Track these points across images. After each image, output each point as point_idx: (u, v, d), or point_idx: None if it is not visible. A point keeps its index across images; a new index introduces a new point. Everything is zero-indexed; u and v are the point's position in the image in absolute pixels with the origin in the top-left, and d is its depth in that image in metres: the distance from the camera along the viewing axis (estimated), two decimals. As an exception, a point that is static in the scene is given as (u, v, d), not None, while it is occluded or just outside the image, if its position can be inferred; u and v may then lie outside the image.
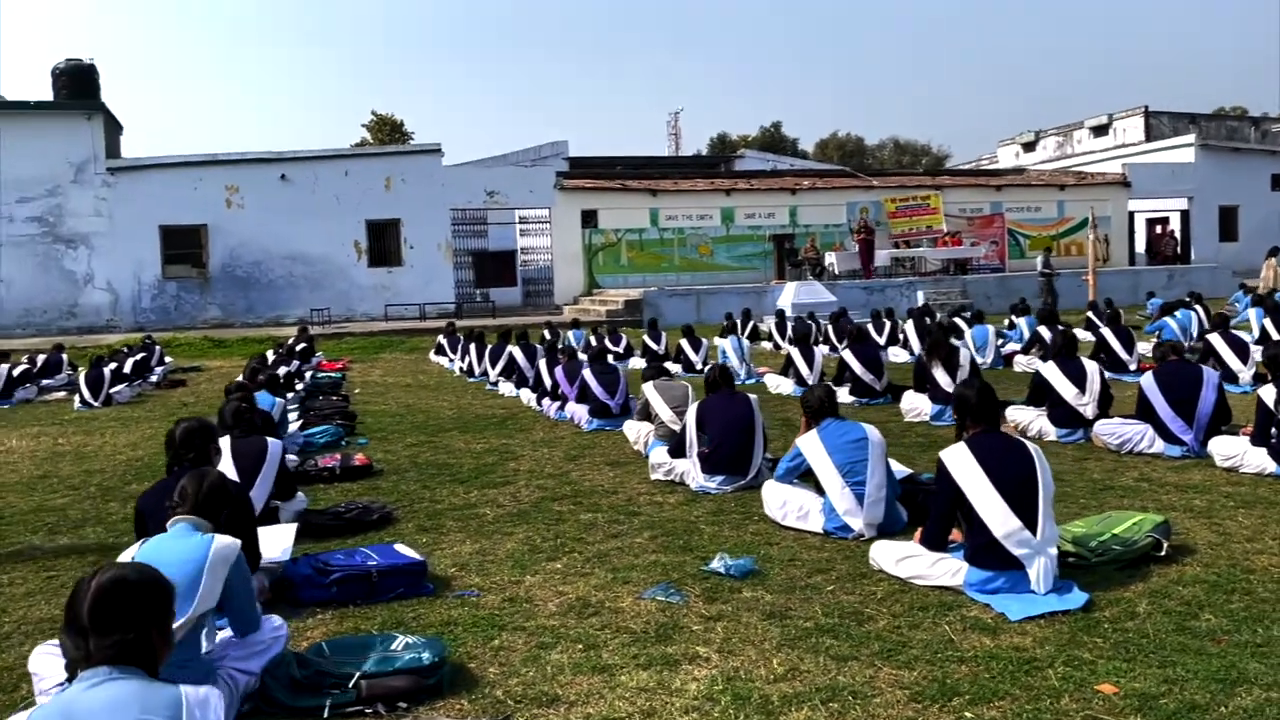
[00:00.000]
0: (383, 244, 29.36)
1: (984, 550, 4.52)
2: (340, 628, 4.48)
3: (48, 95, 29.23)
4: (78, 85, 28.81)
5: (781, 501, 5.98)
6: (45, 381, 16.72)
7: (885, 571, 4.91)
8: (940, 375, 9.79)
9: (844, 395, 11.46)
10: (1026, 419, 8.75)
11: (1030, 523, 4.49)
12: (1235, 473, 6.91)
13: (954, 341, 13.67)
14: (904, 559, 4.83)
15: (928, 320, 16.97)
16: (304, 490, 7.60)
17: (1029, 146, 51.96)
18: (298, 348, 18.60)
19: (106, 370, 15.19)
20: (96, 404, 14.49)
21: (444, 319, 27.71)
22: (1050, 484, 4.64)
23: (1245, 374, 11.04)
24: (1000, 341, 15.11)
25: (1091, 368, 8.47)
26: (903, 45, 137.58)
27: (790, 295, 26.15)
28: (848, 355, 11.52)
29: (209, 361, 21.49)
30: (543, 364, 12.63)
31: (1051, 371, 8.57)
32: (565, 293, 30.39)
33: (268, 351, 17.27)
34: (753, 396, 7.31)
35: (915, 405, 10.08)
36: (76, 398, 14.79)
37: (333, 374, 17.34)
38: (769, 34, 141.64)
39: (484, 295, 30.23)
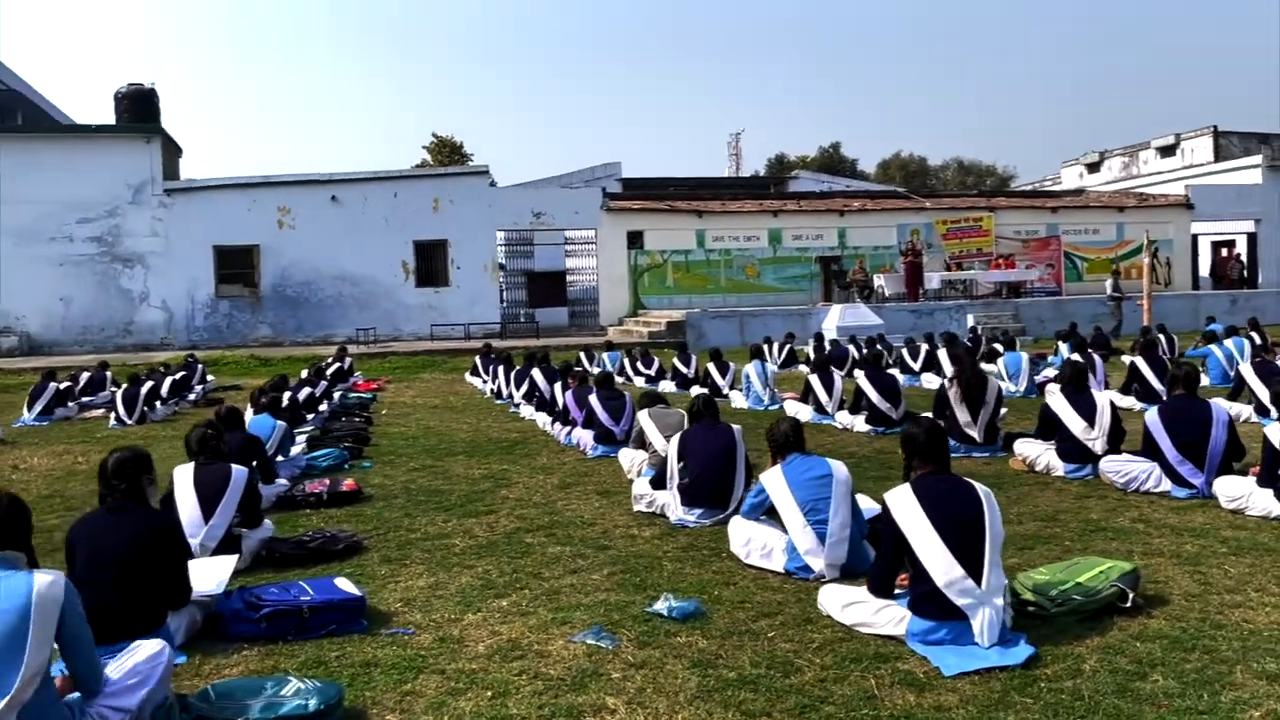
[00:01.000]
0: (430, 264, 29.61)
1: (926, 599, 4.30)
2: (262, 665, 4.40)
3: (111, 118, 30.07)
4: (139, 108, 29.57)
5: (746, 539, 5.79)
6: (85, 399, 17.03)
7: (832, 617, 4.70)
8: (959, 410, 9.45)
9: (860, 424, 11.23)
10: (1034, 453, 8.43)
11: (974, 571, 4.26)
12: (1241, 515, 6.56)
13: (988, 367, 13.36)
14: (849, 605, 4.62)
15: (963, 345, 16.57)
16: (290, 516, 7.62)
17: (1093, 167, 50.86)
18: (330, 369, 18.77)
19: (141, 389, 15.44)
20: (130, 422, 14.71)
21: (489, 339, 27.92)
22: (999, 530, 4.40)
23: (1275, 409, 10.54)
24: (1035, 369, 14.67)
25: (1102, 400, 8.13)
26: (969, 65, 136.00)
27: (835, 318, 25.87)
28: (863, 382, 11.25)
29: (252, 380, 21.72)
30: (558, 387, 12.56)
31: (1059, 403, 8.25)
32: (610, 314, 30.36)
33: (304, 371, 17.43)
34: (736, 427, 7.14)
35: (927, 437, 9.75)
36: (112, 416, 15.04)
37: (364, 395, 17.45)
38: (832, 55, 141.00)
39: (528, 315, 30.32)
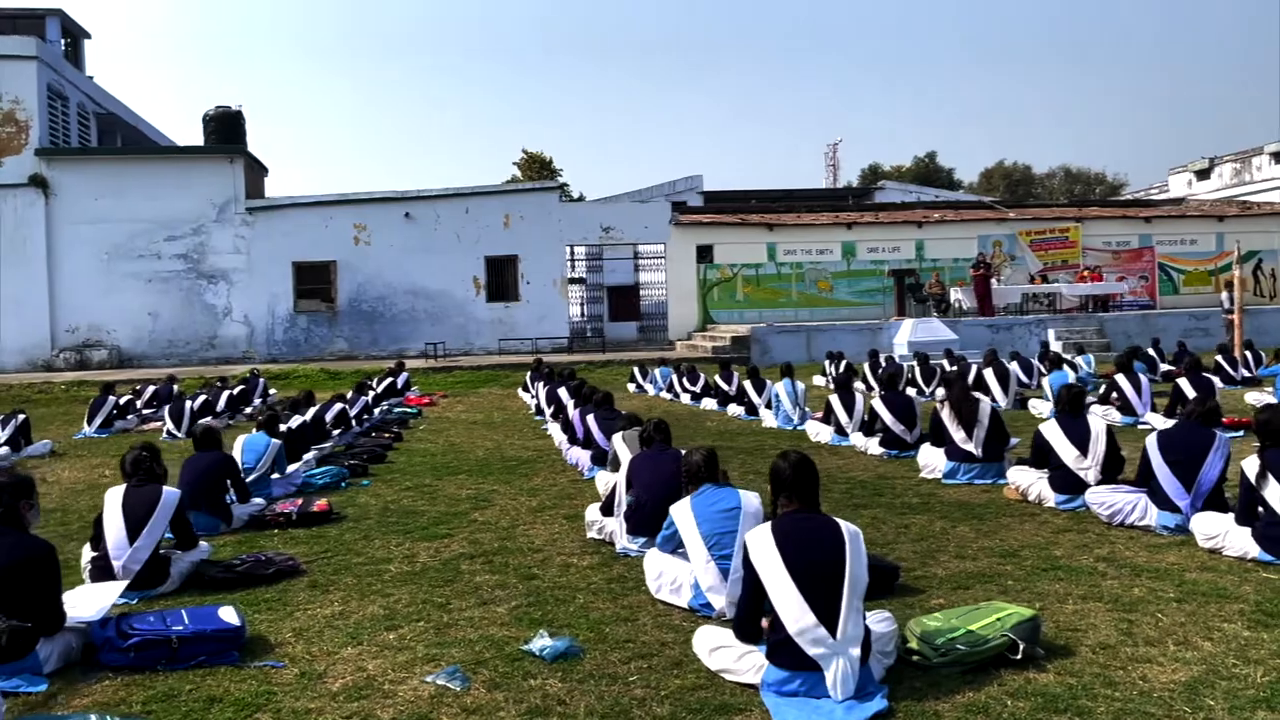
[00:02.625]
0: (500, 279, 29.90)
1: (780, 647, 4.05)
2: (115, 696, 4.38)
3: (201, 139, 31.22)
4: (225, 130, 30.62)
5: (657, 573, 5.60)
6: (146, 412, 17.59)
7: (701, 661, 4.48)
8: (954, 429, 9.10)
9: (874, 446, 10.86)
10: (1026, 481, 8.00)
11: (829, 619, 3.99)
12: (1217, 554, 6.09)
13: (1016, 383, 12.88)
14: (717, 649, 4.40)
15: (1011, 363, 15.96)
16: (253, 536, 7.68)
17: (1202, 174, 48.75)
18: (382, 384, 19.07)
19: (187, 403, 15.89)
20: (180, 435, 15.11)
21: (558, 353, 28.07)
22: (861, 575, 4.13)
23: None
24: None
25: (1097, 427, 7.66)
26: (1082, 69, 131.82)
27: (907, 333, 25.16)
28: (877, 403, 10.87)
29: (320, 393, 22.20)
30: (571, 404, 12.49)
31: (1052, 430, 7.81)
32: (679, 328, 30.22)
33: (350, 390, 17.73)
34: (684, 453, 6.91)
35: (930, 461, 9.38)
36: (164, 430, 15.48)
37: (409, 410, 17.64)
38: (933, 62, 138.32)
39: (595, 330, 30.38)
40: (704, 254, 30.50)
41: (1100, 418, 7.83)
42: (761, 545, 4.19)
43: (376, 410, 16.45)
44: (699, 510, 5.38)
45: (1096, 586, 5.51)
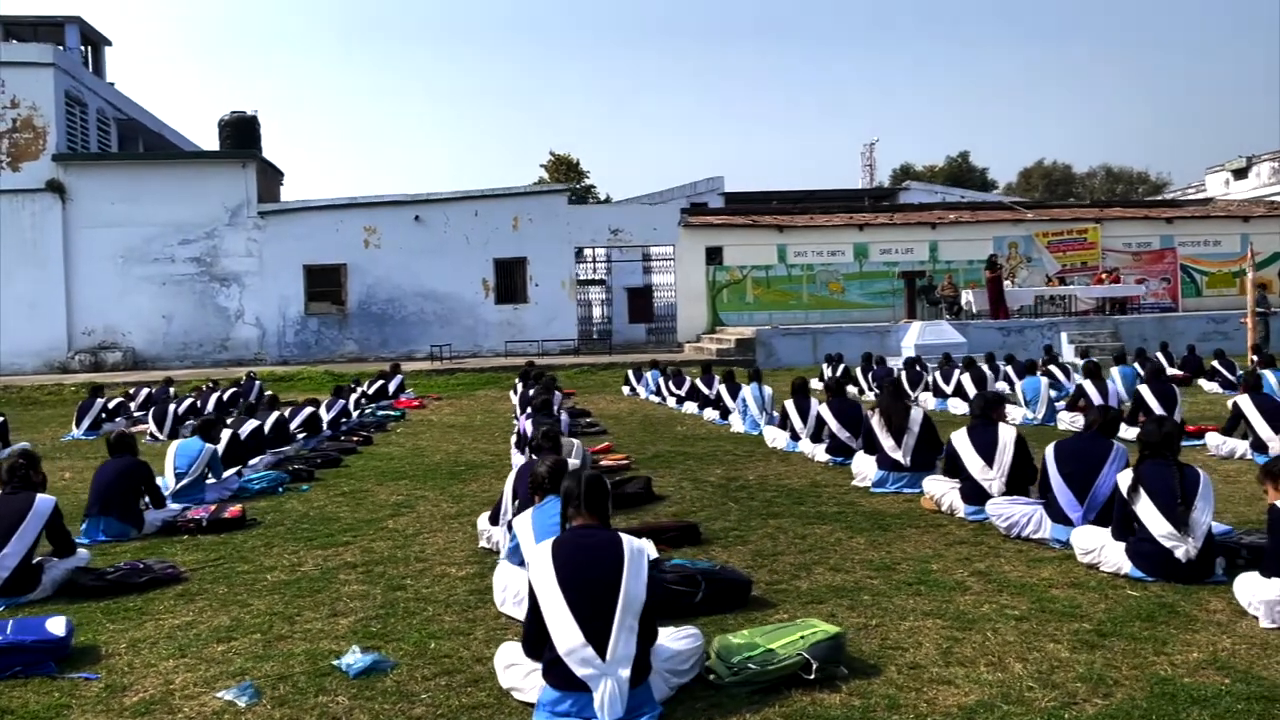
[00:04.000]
0: (510, 281, 29.98)
1: (552, 667, 3.98)
2: (-84, 705, 4.41)
3: (217, 143, 31.65)
4: (240, 135, 31.02)
5: (503, 585, 5.54)
6: (137, 414, 17.82)
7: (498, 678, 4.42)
8: (883, 436, 8.94)
9: (821, 453, 10.71)
10: (939, 492, 7.85)
11: (599, 640, 3.91)
12: (1095, 569, 5.91)
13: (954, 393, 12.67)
14: (509, 666, 4.33)
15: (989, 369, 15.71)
16: (158, 543, 7.73)
17: (1240, 174, 47.61)
18: (371, 388, 19.17)
19: (171, 405, 16.08)
20: (162, 437, 15.28)
21: (566, 355, 28.11)
22: (637, 593, 4.03)
23: (1276, 444, 9.52)
24: (1056, 394, 13.74)
25: (1006, 437, 7.47)
26: (1125, 64, 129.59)
27: (914, 336, 24.91)
28: (824, 409, 10.72)
29: (321, 395, 22.39)
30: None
31: (961, 440, 7.64)
32: (689, 330, 30.11)
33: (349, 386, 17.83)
34: (575, 462, 6.86)
35: (862, 469, 9.23)
36: (148, 432, 15.66)
37: (393, 413, 17.71)
38: (972, 59, 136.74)
39: (602, 333, 30.38)
40: (713, 256, 30.38)
41: (1013, 426, 7.62)
42: (539, 562, 4.12)
43: (356, 413, 16.51)
44: (538, 522, 5.31)
45: (949, 603, 5.37)
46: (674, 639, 4.35)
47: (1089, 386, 12.38)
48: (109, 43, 33.83)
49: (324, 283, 29.52)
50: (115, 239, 28.38)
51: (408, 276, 29.42)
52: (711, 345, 27.31)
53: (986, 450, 7.44)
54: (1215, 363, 17.87)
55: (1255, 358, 17.15)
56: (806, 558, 6.48)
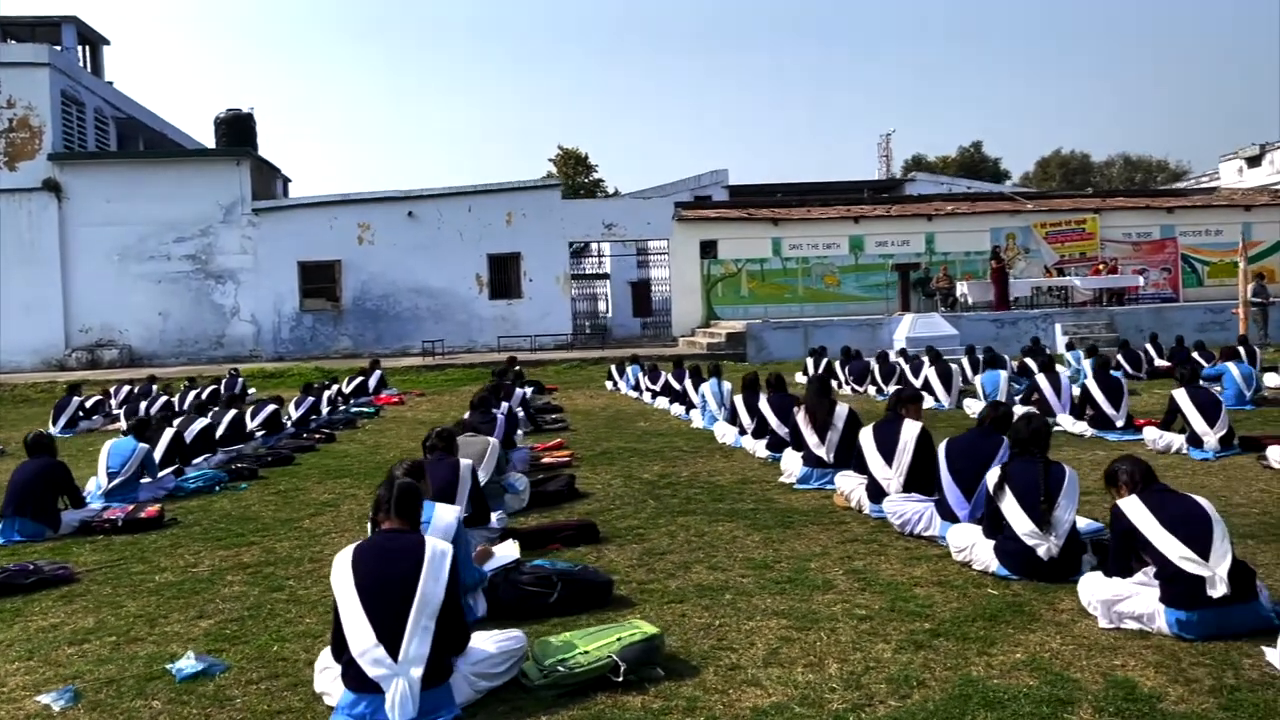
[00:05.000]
0: (503, 277, 30.03)
1: (349, 668, 3.99)
2: None
3: (216, 141, 31.85)
4: (236, 132, 31.24)
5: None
6: (116, 412, 17.97)
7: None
8: (808, 433, 8.89)
9: (762, 449, 10.66)
10: (849, 488, 7.80)
11: (392, 640, 3.91)
12: (968, 568, 5.86)
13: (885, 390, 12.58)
14: (323, 670, 4.33)
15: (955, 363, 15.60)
16: (67, 544, 7.79)
17: (1253, 161, 47.05)
18: (350, 384, 19.25)
19: (143, 403, 16.21)
20: (133, 435, 15.37)
21: (558, 349, 28.15)
22: (434, 593, 4.02)
23: (1211, 438, 9.39)
24: (1015, 389, 13.61)
25: (908, 434, 7.38)
26: (1145, 50, 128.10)
27: (906, 329, 24.75)
28: (762, 404, 10.67)
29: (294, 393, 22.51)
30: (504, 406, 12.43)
31: (866, 437, 7.59)
32: (684, 324, 30.06)
33: (329, 381, 17.92)
34: (466, 461, 6.86)
35: (789, 466, 9.19)
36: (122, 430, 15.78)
37: (366, 410, 17.78)
38: (989, 49, 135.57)
39: (593, 327, 30.38)
40: (708, 249, 30.29)
41: (918, 424, 7.53)
42: (340, 565, 4.13)
43: (325, 410, 16.57)
44: (391, 525, 5.30)
45: (805, 602, 5.33)
46: (492, 641, 4.34)
47: (1042, 380, 12.26)
48: (107, 42, 34.08)
49: (319, 279, 29.67)
50: (111, 237, 28.62)
51: (402, 272, 29.53)
52: (704, 339, 27.24)
53: (887, 448, 7.38)
54: (1195, 354, 17.65)
55: (1196, 353, 17.08)
56: (692, 556, 6.45)
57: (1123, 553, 4.81)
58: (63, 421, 16.63)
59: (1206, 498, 4.91)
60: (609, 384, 21.19)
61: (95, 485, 9.45)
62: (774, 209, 31.85)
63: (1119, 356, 19.03)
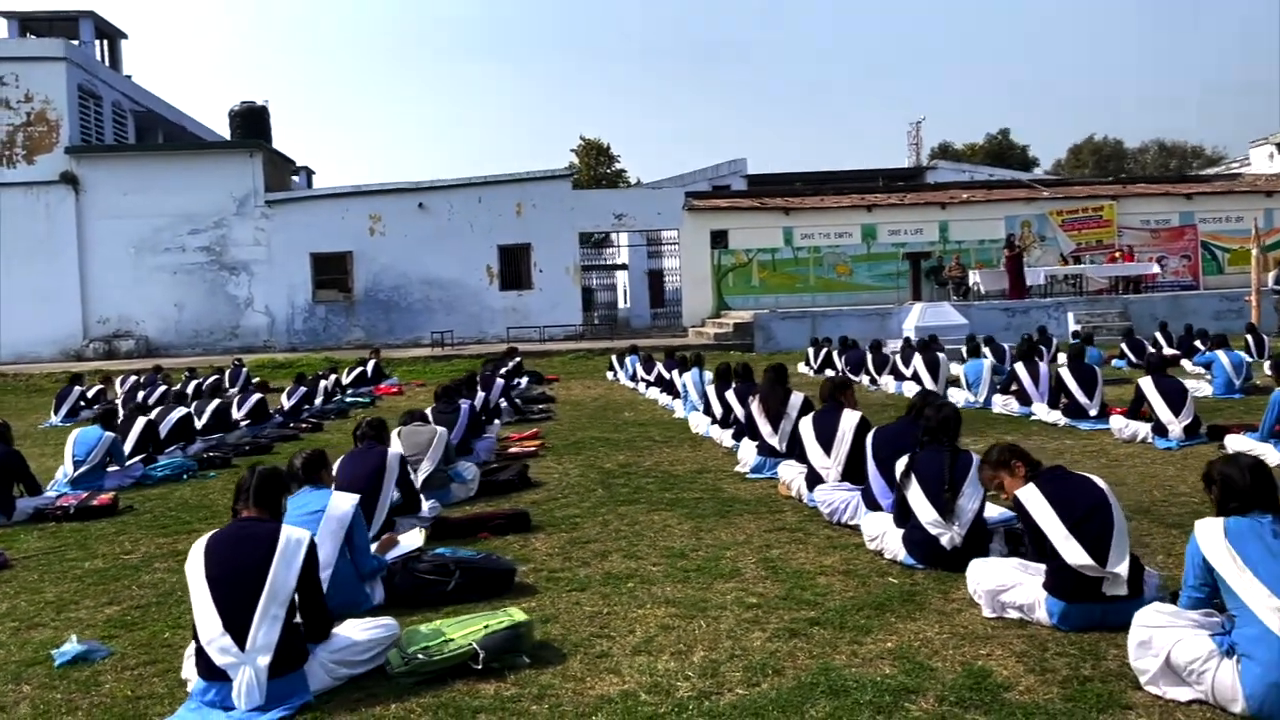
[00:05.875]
0: (514, 268, 30.08)
1: (200, 656, 4.01)
2: None
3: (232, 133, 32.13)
4: (250, 125, 31.47)
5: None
6: (116, 401, 18.18)
7: (189, 668, 4.45)
8: (762, 422, 8.84)
9: (728, 439, 10.60)
10: (790, 477, 7.74)
11: (240, 629, 3.93)
12: (880, 557, 5.80)
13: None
14: (188, 657, 4.34)
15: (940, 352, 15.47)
16: (25, 530, 7.91)
17: (1285, 146, 46.19)
18: (350, 374, 19.37)
19: (140, 394, 16.40)
20: (131, 425, 15.56)
21: (568, 340, 28.18)
22: (285, 582, 4.02)
23: (1175, 427, 9.23)
24: (998, 378, 13.43)
25: (846, 423, 7.30)
26: (1180, 32, 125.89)
27: (915, 318, 24.59)
28: (730, 396, 10.61)
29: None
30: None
31: (805, 426, 7.52)
32: (694, 315, 29.98)
33: (326, 370, 18.05)
34: (394, 451, 6.88)
35: (744, 455, 9.14)
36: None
37: (362, 400, 17.89)
38: (1020, 34, 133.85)
39: (604, 318, 30.36)
40: (718, 239, 30.17)
41: (857, 413, 7.44)
42: (193, 554, 4.16)
43: (320, 400, 16.68)
44: (287, 513, 5.32)
45: (704, 590, 5.30)
46: (360, 629, 4.36)
47: (1020, 369, 12.11)
48: (125, 36, 34.47)
49: (331, 270, 29.85)
50: (127, 229, 28.94)
51: (413, 264, 29.65)
52: (712, 330, 27.16)
53: (826, 436, 7.31)
54: (1197, 343, 17.38)
55: (1164, 342, 16.85)
56: (614, 545, 6.43)
57: (1034, 541, 4.71)
58: (64, 410, 16.86)
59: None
60: (610, 374, 21.19)
61: (62, 473, 9.59)
62: (786, 198, 31.65)
63: (1123, 345, 18.79)
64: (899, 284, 29.85)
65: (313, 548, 4.20)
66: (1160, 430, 9.30)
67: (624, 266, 41.00)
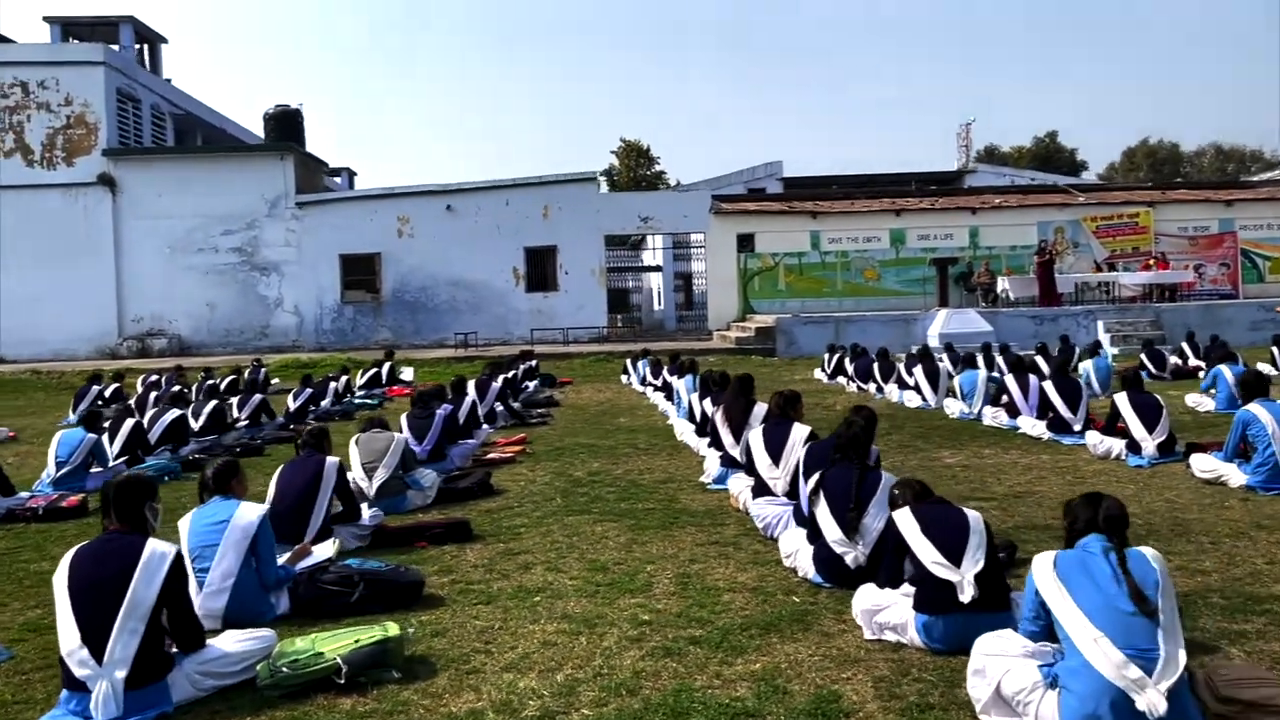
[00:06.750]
0: (540, 270, 30.22)
1: (62, 667, 4.07)
2: None
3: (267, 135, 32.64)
4: (284, 128, 31.94)
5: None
6: (131, 401, 18.53)
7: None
8: (724, 433, 8.80)
9: (705, 447, 10.55)
10: (738, 489, 7.69)
11: (97, 642, 3.98)
12: (794, 575, 5.75)
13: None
14: (72, 662, 4.44)
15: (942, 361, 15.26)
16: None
17: (1340, 150, 44.95)
18: (364, 375, 19.57)
19: (153, 394, 16.70)
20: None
21: (592, 342, 28.24)
22: (145, 597, 4.07)
23: (1149, 445, 9.02)
24: (991, 390, 13.23)
25: (797, 435, 7.24)
26: (1241, 31, 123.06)
27: (939, 325, 24.31)
28: (707, 405, 10.57)
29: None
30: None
31: (754, 437, 7.47)
32: (720, 318, 29.91)
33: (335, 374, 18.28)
34: (332, 460, 6.94)
35: (709, 466, 9.10)
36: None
37: (369, 401, 18.06)
38: (1077, 36, 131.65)
39: (625, 320, 30.39)
40: (744, 243, 30.06)
41: (806, 426, 7.37)
42: (60, 567, 4.22)
43: (326, 401, 16.86)
44: (194, 523, 5.41)
45: (607, 605, 5.29)
46: (234, 640, 4.41)
47: (1010, 382, 11.91)
48: (164, 40, 35.12)
49: (359, 271, 30.20)
50: (162, 230, 29.52)
51: (440, 265, 29.90)
52: (735, 334, 27.08)
53: (775, 449, 7.26)
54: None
55: (1190, 353, 16.47)
56: (543, 558, 6.43)
57: (894, 562, 4.68)
58: (81, 409, 17.18)
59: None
60: (623, 378, 21.20)
61: (45, 474, 9.80)
62: (815, 201, 31.45)
63: (1142, 356, 18.43)
64: (926, 290, 29.53)
65: (179, 561, 4.25)
66: (1134, 448, 9.10)
67: (658, 268, 41.03)
